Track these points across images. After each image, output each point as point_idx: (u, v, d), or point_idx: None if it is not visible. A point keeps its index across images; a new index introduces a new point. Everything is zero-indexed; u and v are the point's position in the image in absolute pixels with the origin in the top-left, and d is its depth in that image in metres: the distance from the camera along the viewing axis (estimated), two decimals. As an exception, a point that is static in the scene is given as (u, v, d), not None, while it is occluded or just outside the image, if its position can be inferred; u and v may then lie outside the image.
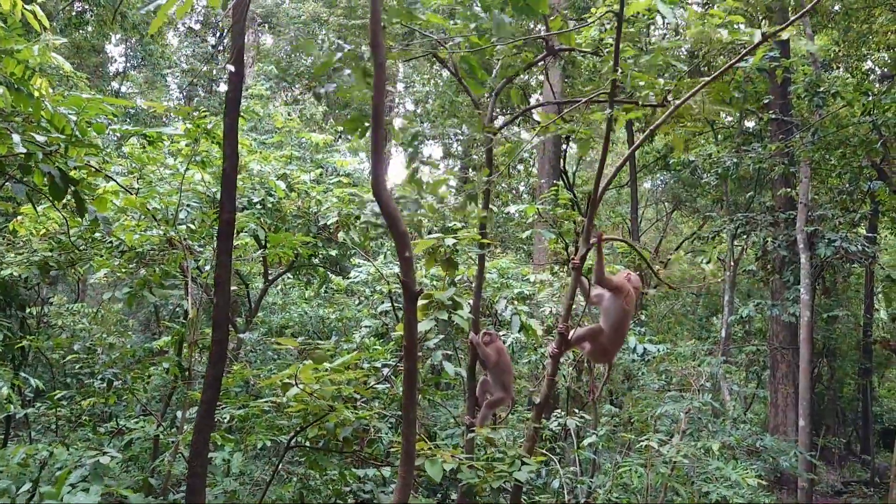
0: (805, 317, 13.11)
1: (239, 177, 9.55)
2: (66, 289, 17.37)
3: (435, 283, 8.95)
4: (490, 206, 15.95)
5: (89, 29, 17.66)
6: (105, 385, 6.18)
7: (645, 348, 11.08)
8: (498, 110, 16.28)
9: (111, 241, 6.92)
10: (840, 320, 17.33)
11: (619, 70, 4.48)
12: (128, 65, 24.20)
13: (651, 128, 4.69)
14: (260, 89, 16.87)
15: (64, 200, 4.89)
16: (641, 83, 4.74)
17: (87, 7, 17.81)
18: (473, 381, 5.43)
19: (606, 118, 4.59)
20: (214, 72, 24.12)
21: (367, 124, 3.82)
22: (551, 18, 5.02)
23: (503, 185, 21.01)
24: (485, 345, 5.23)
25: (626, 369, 14.59)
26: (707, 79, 4.65)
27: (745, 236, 16.28)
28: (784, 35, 13.37)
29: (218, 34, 26.15)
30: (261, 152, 10.05)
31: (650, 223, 26.78)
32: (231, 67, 3.56)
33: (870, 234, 16.73)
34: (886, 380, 25.18)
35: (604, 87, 4.89)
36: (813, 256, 13.26)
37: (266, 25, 26.34)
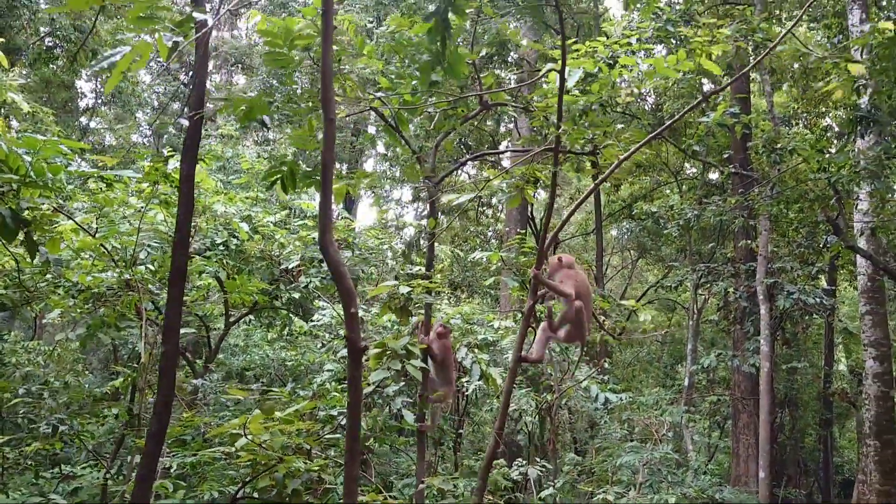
0: (765, 368, 13.26)
1: (202, 218, 9.55)
2: (24, 325, 17.02)
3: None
4: (457, 251, 15.93)
5: (59, 63, 17.58)
6: (50, 430, 6.02)
7: (607, 397, 11.10)
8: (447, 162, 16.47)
9: (66, 281, 6.81)
10: (801, 371, 17.53)
11: (562, 127, 4.58)
12: (98, 101, 24.10)
13: (596, 182, 4.78)
14: (229, 129, 16.87)
15: (16, 241, 4.83)
16: (572, 134, 4.86)
17: (57, 42, 17.78)
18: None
19: (552, 171, 4.67)
20: (185, 110, 24.11)
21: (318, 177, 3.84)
22: (484, 75, 5.16)
23: (471, 230, 21.13)
24: (438, 337, 5.28)
25: (590, 417, 14.59)
26: (652, 134, 4.76)
27: (707, 286, 16.49)
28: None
29: (190, 72, 26.18)
30: (226, 193, 10.02)
31: (616, 270, 27.03)
32: (184, 121, 3.57)
33: (829, 287, 17.04)
34: (847, 430, 25.40)
35: (548, 142, 5.01)
36: (773, 308, 13.46)
37: (239, 66, 26.47)
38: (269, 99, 3.99)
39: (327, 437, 5.47)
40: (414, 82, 4.60)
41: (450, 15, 3.56)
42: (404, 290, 4.87)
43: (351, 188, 4.61)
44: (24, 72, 18.80)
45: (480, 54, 18.61)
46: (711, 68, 5.66)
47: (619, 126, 7.09)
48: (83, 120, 22.73)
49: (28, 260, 5.68)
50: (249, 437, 4.18)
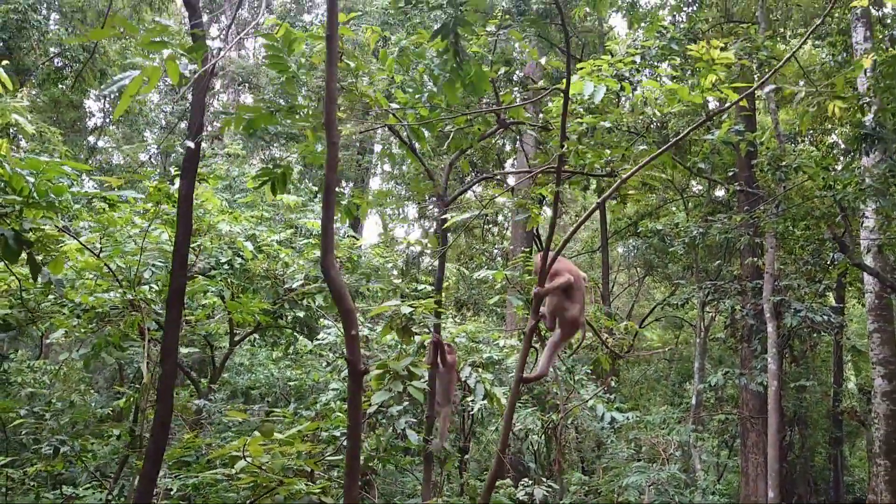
0: (773, 386, 13.15)
1: (207, 237, 9.57)
2: (31, 345, 17.05)
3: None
4: (462, 269, 15.88)
5: (68, 83, 17.74)
6: (52, 451, 6.01)
7: (613, 416, 11.01)
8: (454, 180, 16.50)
9: (70, 301, 6.82)
10: (809, 389, 17.37)
11: (565, 145, 4.58)
12: (106, 120, 24.27)
13: (597, 202, 4.77)
14: (235, 148, 16.94)
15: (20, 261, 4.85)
16: (589, 155, 4.84)
17: (66, 62, 17.94)
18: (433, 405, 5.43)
19: (555, 191, 4.66)
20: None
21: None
22: (503, 93, 5.15)
23: (476, 247, 21.11)
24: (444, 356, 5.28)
25: (597, 436, 14.49)
26: (655, 153, 4.75)
27: (714, 303, 16.40)
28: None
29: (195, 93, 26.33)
30: (231, 212, 10.05)
31: (623, 288, 26.94)
32: (190, 144, 3.59)
33: (837, 305, 16.92)
34: (858, 449, 25.14)
35: (551, 160, 5.01)
36: (780, 326, 13.37)
37: (246, 85, 26.63)
38: (273, 108, 4.01)
39: (329, 458, 5.43)
40: (423, 97, 4.60)
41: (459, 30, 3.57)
42: (406, 309, 4.85)
43: (354, 210, 4.61)
44: (33, 92, 18.99)
45: (499, 73, 18.70)
46: (728, 93, 5.63)
47: (642, 147, 7.07)
48: (91, 139, 22.88)
49: (31, 280, 5.70)
50: (249, 459, 4.16)
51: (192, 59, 3.21)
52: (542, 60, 6.21)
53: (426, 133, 4.82)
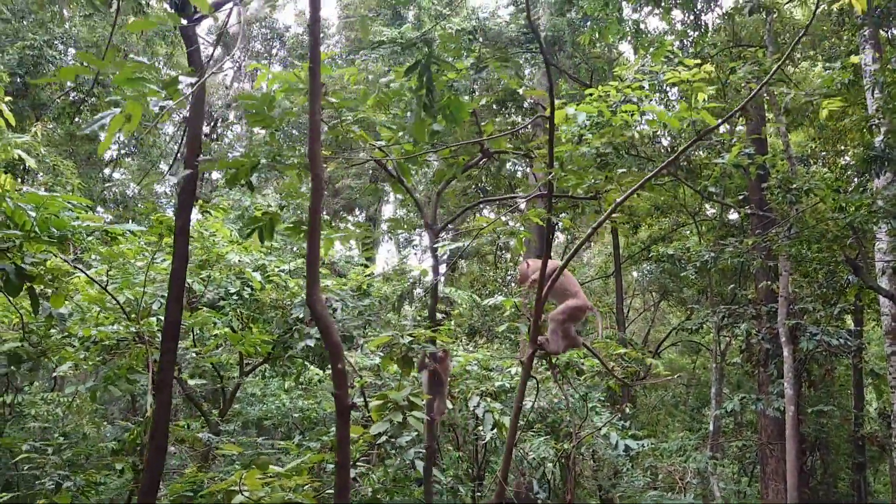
0: (790, 411, 12.94)
1: (216, 267, 9.62)
2: (47, 377, 17.14)
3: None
4: (474, 296, 15.81)
5: (83, 117, 17.99)
6: (54, 487, 6.00)
7: (627, 444, 10.87)
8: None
9: (73, 335, 6.86)
10: (829, 414, 17.08)
11: (552, 171, 4.57)
12: (121, 152, 24.58)
13: (593, 227, 4.75)
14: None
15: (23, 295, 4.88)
16: (571, 181, 4.85)
17: (81, 97, 18.22)
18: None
19: (546, 218, 4.64)
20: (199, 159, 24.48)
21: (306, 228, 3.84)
22: (484, 123, 5.19)
23: (488, 274, 21.08)
24: (440, 361, 5.36)
25: (613, 465, 14.28)
26: (650, 173, 4.72)
27: (730, 328, 16.21)
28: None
29: (212, 123, 26.68)
30: (240, 242, 10.10)
31: (638, 313, 26.74)
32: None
33: (855, 328, 16.68)
34: (882, 474, 24.66)
35: (538, 187, 5.02)
36: (796, 350, 13.19)
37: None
38: (260, 154, 4.04)
39: (330, 492, 5.37)
40: (401, 133, 4.65)
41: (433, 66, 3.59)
42: (405, 339, 4.82)
43: (342, 242, 4.61)
44: (50, 126, 19.27)
45: (492, 101, 18.84)
46: (704, 116, 5.63)
47: (621, 171, 7.08)
48: (107, 171, 23.14)
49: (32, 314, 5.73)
50: (246, 493, 4.12)
51: (169, 95, 3.23)
52: (538, 88, 6.24)
53: (411, 167, 4.87)
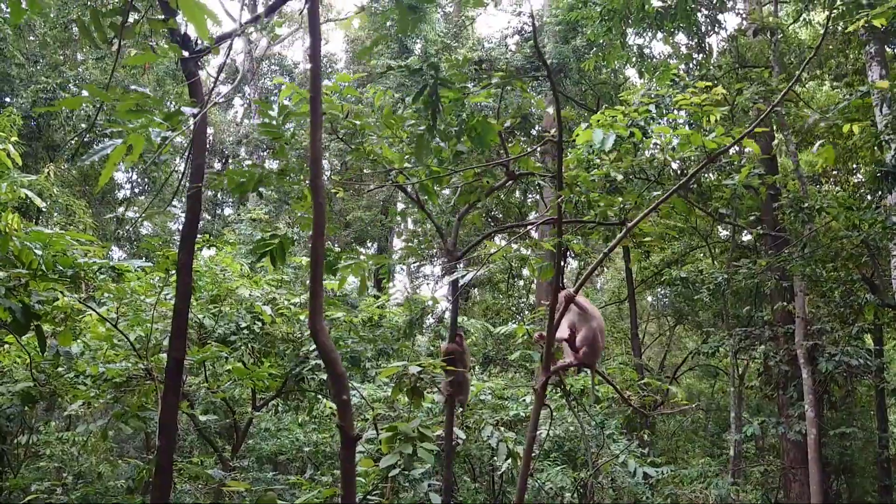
0: (811, 434, 12.70)
1: (226, 302, 9.61)
2: (62, 415, 17.11)
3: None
4: (487, 325, 15.68)
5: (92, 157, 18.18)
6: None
7: (645, 472, 10.67)
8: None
9: (82, 373, 6.84)
10: (852, 436, 16.74)
11: (561, 195, 4.53)
12: (135, 191, 24.80)
13: (608, 249, 4.70)
14: (258, 213, 17.17)
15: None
16: (601, 204, 4.79)
17: (94, 137, 18.43)
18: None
19: (557, 243, 4.60)
20: (218, 195, 24.68)
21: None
22: (510, 145, 5.15)
23: (502, 302, 20.98)
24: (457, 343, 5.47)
25: (632, 493, 14.04)
26: (661, 198, 4.67)
27: (748, 351, 16.00)
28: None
29: (223, 161, 26.92)
30: (251, 276, 10.09)
31: (654, 338, 26.49)
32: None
33: (876, 347, 16.41)
34: (910, 497, 24.10)
35: (548, 210, 4.99)
36: (815, 371, 12.98)
37: (270, 151, 27.13)
38: (263, 172, 4.04)
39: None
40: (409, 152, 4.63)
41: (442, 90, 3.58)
42: (414, 369, 4.76)
43: (353, 272, 4.59)
44: (64, 166, 19.49)
45: (500, 125, 18.88)
46: (721, 140, 5.60)
47: (656, 193, 7.04)
48: (120, 210, 23.32)
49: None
50: (255, 530, 4.06)
51: (171, 126, 3.23)
52: (550, 110, 6.24)
53: (436, 189, 4.84)
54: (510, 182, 5.91)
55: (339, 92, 4.86)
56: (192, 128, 3.72)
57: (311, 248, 3.02)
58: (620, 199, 5.58)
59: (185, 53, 3.62)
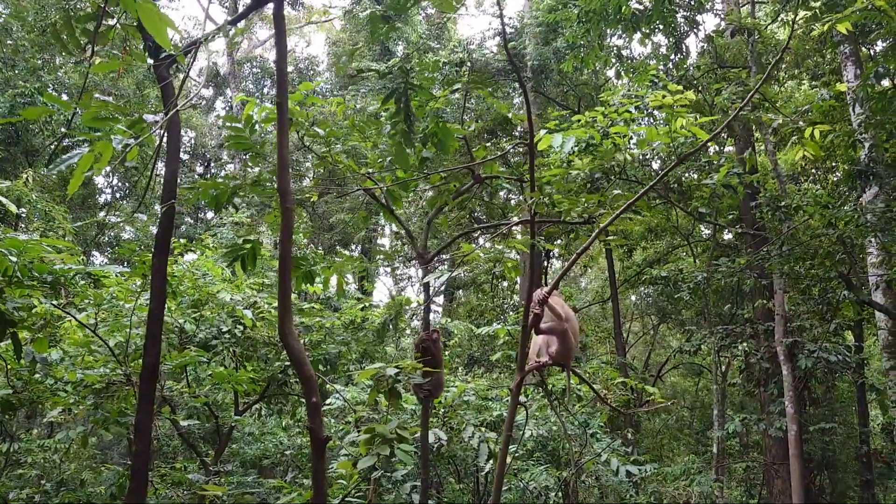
0: (792, 430, 12.82)
1: (207, 306, 9.60)
2: (43, 422, 16.99)
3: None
4: (471, 326, 15.72)
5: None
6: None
7: (627, 470, 10.73)
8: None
9: (59, 380, 6.82)
10: (833, 432, 16.90)
11: (533, 197, 4.57)
12: (115, 195, 24.67)
13: (579, 251, 4.74)
14: (240, 217, 17.11)
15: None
16: (564, 203, 4.84)
17: (74, 143, 18.30)
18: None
19: (531, 244, 4.63)
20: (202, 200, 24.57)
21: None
22: (475, 149, 5.19)
23: (486, 303, 21.02)
24: (431, 338, 5.46)
25: (617, 491, 14.11)
26: (635, 195, 4.72)
27: (729, 348, 16.10)
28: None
29: (206, 164, 26.82)
30: (232, 281, 10.08)
31: (638, 337, 26.62)
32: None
33: (857, 343, 16.56)
34: (891, 491, 24.36)
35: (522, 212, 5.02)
36: (795, 368, 13.10)
37: (252, 155, 27.04)
38: (237, 183, 4.06)
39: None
40: (388, 159, 4.67)
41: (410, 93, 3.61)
42: (391, 371, 4.78)
43: (330, 274, 4.60)
44: (43, 171, 19.36)
45: (482, 130, 18.97)
46: (695, 131, 5.68)
47: (616, 192, 7.10)
48: (101, 214, 23.19)
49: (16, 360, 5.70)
50: (232, 533, 4.07)
51: (135, 133, 3.23)
52: (510, 115, 6.27)
53: (402, 194, 4.87)
54: (475, 185, 5.95)
55: (302, 102, 4.88)
56: (163, 133, 3.73)
57: (279, 251, 3.04)
58: (583, 198, 5.62)
59: (151, 61, 3.63)
